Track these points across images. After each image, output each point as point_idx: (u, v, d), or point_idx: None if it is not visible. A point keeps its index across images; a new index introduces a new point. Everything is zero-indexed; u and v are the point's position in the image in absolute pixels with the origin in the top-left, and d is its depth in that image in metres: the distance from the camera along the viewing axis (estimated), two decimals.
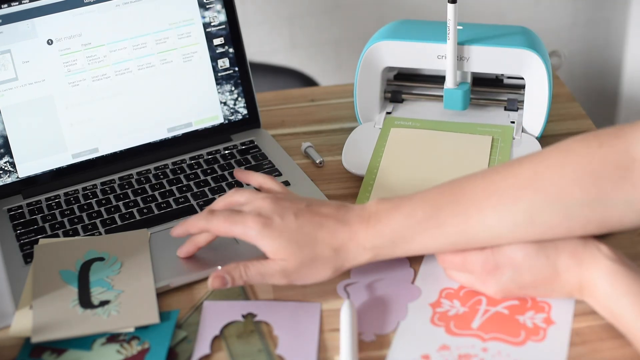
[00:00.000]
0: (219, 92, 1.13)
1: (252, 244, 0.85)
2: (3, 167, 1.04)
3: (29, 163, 1.05)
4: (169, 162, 1.10)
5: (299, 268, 0.83)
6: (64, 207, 1.02)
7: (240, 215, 0.85)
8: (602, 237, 0.85)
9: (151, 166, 1.09)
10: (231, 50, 1.13)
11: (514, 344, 0.80)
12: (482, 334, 0.82)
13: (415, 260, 0.92)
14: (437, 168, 1.03)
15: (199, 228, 0.89)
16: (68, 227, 0.99)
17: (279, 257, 0.83)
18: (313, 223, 0.83)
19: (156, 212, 1.01)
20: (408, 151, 1.06)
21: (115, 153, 1.09)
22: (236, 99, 1.14)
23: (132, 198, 1.03)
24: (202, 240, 0.91)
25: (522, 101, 1.10)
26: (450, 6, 1.03)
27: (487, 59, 1.06)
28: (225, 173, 1.07)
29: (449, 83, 1.08)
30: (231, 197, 0.89)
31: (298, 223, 0.83)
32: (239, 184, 1.05)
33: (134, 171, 1.08)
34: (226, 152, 1.11)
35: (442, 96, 1.14)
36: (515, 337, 0.81)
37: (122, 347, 0.82)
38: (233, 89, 1.14)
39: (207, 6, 1.11)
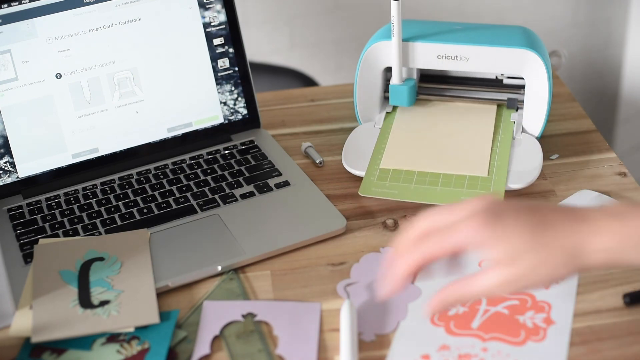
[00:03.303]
0: (219, 92, 1.13)
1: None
2: (3, 167, 1.04)
3: (29, 163, 1.05)
4: (169, 162, 1.10)
5: (528, 273, 0.71)
6: (64, 207, 1.02)
7: (451, 226, 0.72)
8: None
9: (151, 166, 1.09)
10: (231, 50, 1.13)
11: (514, 344, 0.80)
12: (482, 333, 0.82)
13: None
14: (444, 135, 1.08)
15: (409, 268, 0.74)
16: (68, 227, 0.99)
17: (505, 263, 0.71)
18: (540, 222, 0.72)
19: (156, 212, 1.01)
20: (415, 123, 1.11)
21: (115, 153, 1.09)
22: (236, 99, 1.14)
23: (132, 198, 1.03)
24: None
25: (522, 101, 1.11)
26: (393, 3, 1.04)
27: (487, 59, 1.06)
28: (225, 173, 1.07)
29: (394, 79, 1.09)
30: (423, 224, 0.74)
31: (522, 222, 0.71)
32: (239, 183, 1.05)
33: (134, 171, 1.08)
34: (226, 152, 1.11)
35: (442, 96, 1.14)
36: (515, 337, 0.81)
37: (122, 347, 0.82)
38: (233, 89, 1.13)
39: (207, 6, 1.11)
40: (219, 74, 1.13)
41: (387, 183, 1.02)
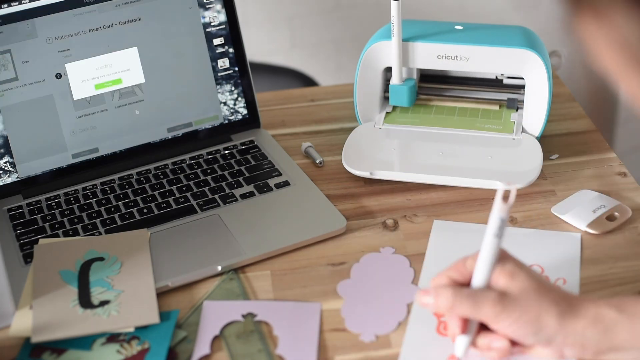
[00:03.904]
0: (219, 92, 1.13)
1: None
2: (3, 167, 1.04)
3: (29, 163, 1.05)
4: (169, 162, 1.10)
5: None
6: (64, 207, 1.02)
7: None
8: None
9: (151, 166, 1.09)
10: (231, 50, 1.13)
11: (522, 350, 0.79)
12: None
13: (415, 260, 0.92)
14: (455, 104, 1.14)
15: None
16: (68, 227, 0.99)
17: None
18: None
19: (156, 212, 1.01)
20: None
21: (115, 153, 1.09)
22: (236, 99, 1.14)
23: (132, 198, 1.03)
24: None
25: (522, 101, 1.11)
26: (393, 3, 1.04)
27: (487, 59, 1.06)
28: (225, 173, 1.07)
29: (394, 79, 1.09)
30: None
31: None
32: (239, 183, 1.05)
33: (134, 171, 1.08)
34: (226, 152, 1.11)
35: (442, 95, 1.14)
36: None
37: (122, 347, 0.82)
38: (233, 89, 1.13)
39: (207, 6, 1.11)
40: (219, 74, 1.13)
41: (409, 114, 1.12)
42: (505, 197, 0.75)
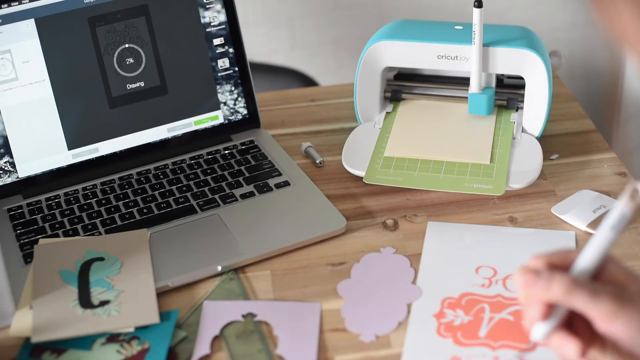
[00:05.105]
0: (219, 92, 1.13)
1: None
2: (3, 167, 1.04)
3: (29, 163, 1.05)
4: (169, 162, 1.10)
5: None
6: (64, 207, 1.02)
7: None
8: None
9: (151, 166, 1.09)
10: (231, 50, 1.13)
11: (525, 350, 0.80)
12: (491, 342, 0.81)
13: (415, 260, 0.92)
14: (443, 136, 1.07)
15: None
16: (68, 227, 0.99)
17: None
18: None
19: (156, 212, 1.01)
20: (416, 119, 1.10)
21: (115, 153, 1.09)
22: (236, 99, 1.14)
23: (132, 198, 1.03)
24: None
25: (522, 101, 1.11)
26: (475, 11, 1.03)
27: (487, 59, 1.06)
28: (225, 173, 1.07)
29: (473, 87, 1.08)
30: None
31: None
32: (239, 183, 1.05)
33: (134, 171, 1.08)
34: (226, 152, 1.11)
35: (441, 95, 1.14)
36: (524, 343, 0.80)
37: (122, 347, 0.82)
38: (233, 89, 1.13)
39: (207, 6, 1.11)
40: (219, 74, 1.13)
41: (391, 171, 1.03)
42: (634, 196, 0.68)
